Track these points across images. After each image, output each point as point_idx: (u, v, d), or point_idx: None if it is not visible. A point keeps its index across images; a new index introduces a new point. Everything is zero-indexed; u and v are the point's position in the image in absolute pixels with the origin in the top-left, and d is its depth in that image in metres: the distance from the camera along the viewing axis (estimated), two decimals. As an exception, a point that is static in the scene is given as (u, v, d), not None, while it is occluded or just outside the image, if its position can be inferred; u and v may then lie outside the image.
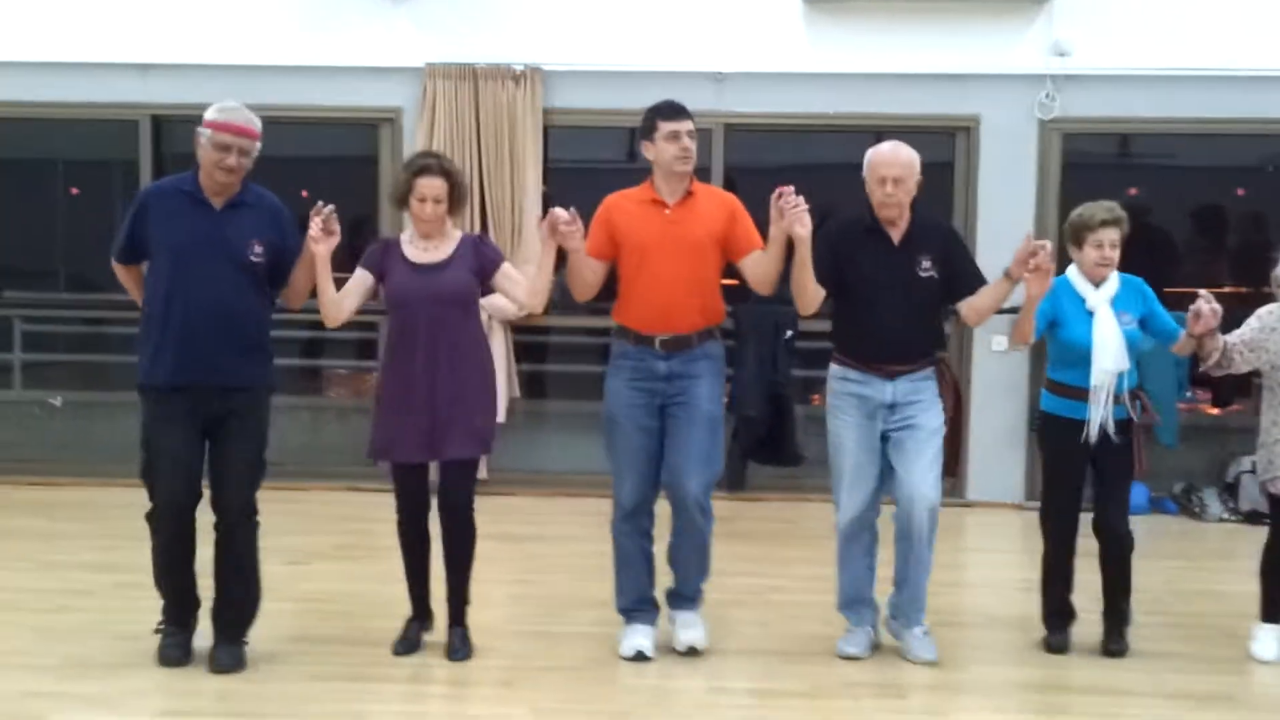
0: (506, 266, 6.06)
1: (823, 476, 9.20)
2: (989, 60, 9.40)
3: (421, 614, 6.15)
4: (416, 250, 5.94)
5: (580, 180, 10.58)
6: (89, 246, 10.73)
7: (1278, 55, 9.21)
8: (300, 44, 9.55)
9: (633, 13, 9.56)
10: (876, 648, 6.20)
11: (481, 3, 9.62)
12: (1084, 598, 6.31)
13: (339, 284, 5.88)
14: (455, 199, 5.93)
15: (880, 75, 9.40)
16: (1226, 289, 10.47)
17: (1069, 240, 6.20)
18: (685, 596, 6.22)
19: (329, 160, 10.60)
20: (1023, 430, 9.29)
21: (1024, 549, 8.65)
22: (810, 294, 5.93)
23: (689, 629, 6.17)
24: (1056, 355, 6.21)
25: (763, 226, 5.98)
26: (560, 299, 8.94)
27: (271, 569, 6.03)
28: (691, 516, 6.03)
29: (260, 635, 5.97)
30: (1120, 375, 6.04)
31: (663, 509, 6.11)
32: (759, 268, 5.96)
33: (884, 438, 6.01)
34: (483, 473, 6.14)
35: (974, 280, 6.05)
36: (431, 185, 5.84)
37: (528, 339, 9.68)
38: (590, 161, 10.70)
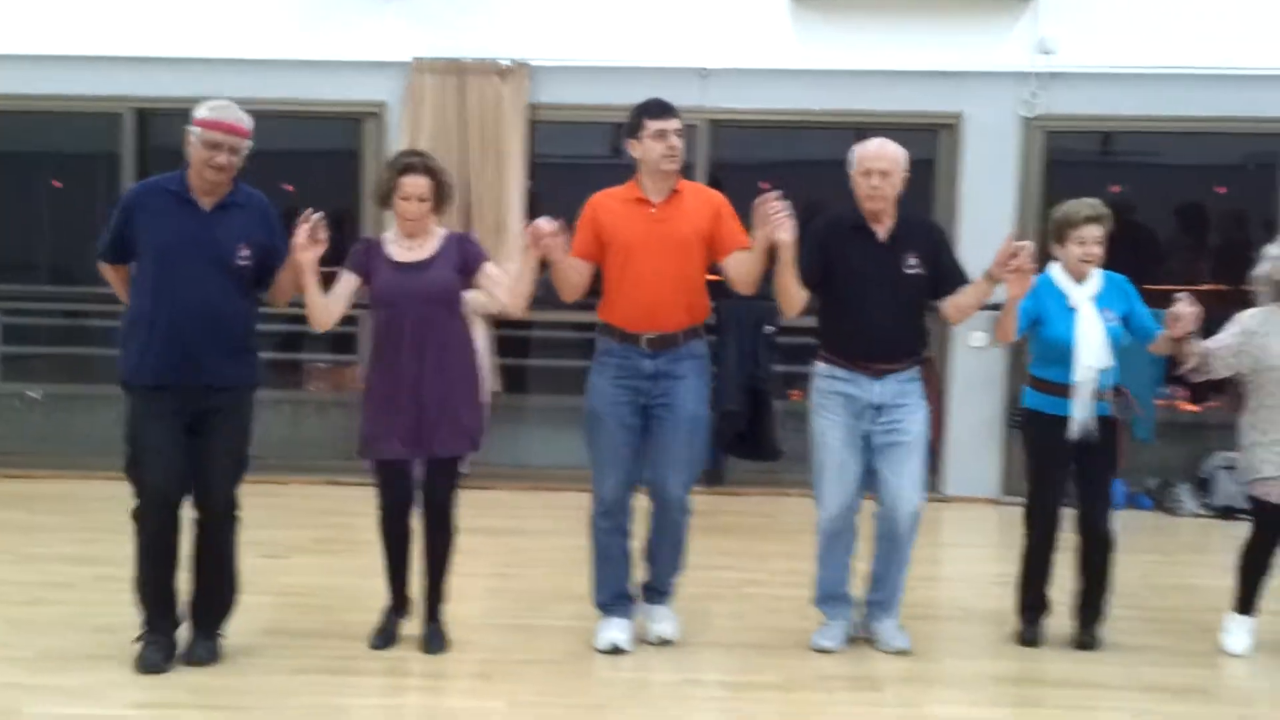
0: (489, 266, 6.06)
1: (802, 472, 9.22)
2: (973, 58, 9.42)
3: (400, 604, 6.15)
4: (400, 249, 5.93)
5: (566, 176, 10.59)
6: (71, 239, 10.75)
7: (1262, 54, 9.23)
8: (285, 37, 9.55)
9: (619, 8, 9.57)
10: (851, 641, 6.22)
11: (468, -3, 9.65)
12: (1054, 590, 6.33)
13: (324, 280, 5.87)
14: (440, 197, 5.93)
15: (865, 72, 9.42)
16: (1207, 287, 10.51)
17: (1052, 237, 6.22)
18: (660, 591, 6.26)
19: (313, 154, 10.60)
20: (999, 425, 9.33)
21: (1000, 543, 8.69)
22: (793, 296, 5.95)
23: (662, 621, 6.22)
24: (1039, 352, 6.23)
25: (749, 225, 6.02)
26: (544, 294, 8.95)
27: (250, 562, 6.05)
28: (672, 516, 6.09)
29: (238, 628, 5.98)
30: (1103, 372, 6.07)
31: (639, 503, 6.14)
32: (742, 268, 5.97)
33: (867, 437, 6.03)
34: (463, 467, 6.13)
35: (958, 279, 6.07)
36: (415, 184, 5.84)
37: (509, 333, 9.68)
38: (576, 157, 10.70)
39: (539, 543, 8.18)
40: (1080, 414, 6.05)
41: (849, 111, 9.49)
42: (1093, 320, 6.07)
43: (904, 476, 5.97)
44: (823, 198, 9.90)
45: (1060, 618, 6.33)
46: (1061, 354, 6.08)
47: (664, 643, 6.17)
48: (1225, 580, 6.40)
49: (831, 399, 6.02)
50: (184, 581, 5.87)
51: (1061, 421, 6.08)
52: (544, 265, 5.94)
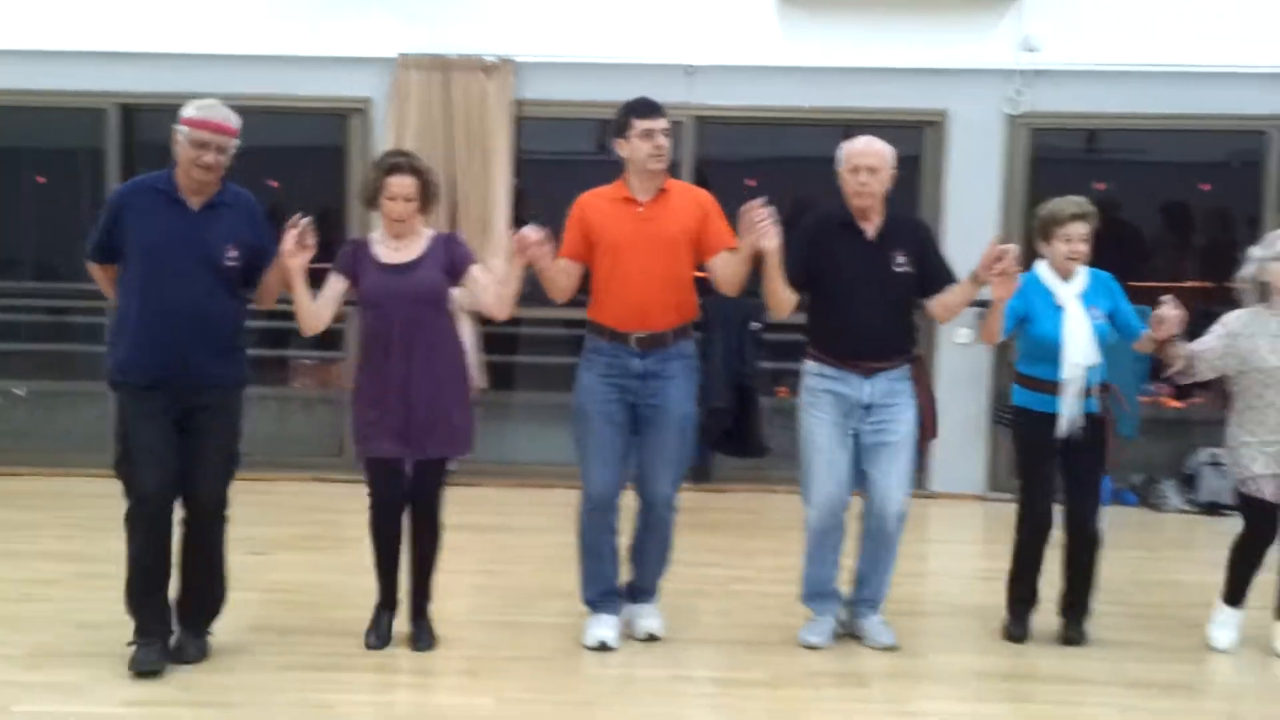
0: (476, 269, 6.05)
1: (788, 468, 9.25)
2: (959, 55, 9.44)
3: (390, 602, 6.11)
4: (387, 250, 5.92)
5: (552, 172, 10.59)
6: (56, 236, 10.71)
7: (1245, 51, 9.26)
8: (270, 33, 9.54)
9: (605, 5, 9.57)
10: (838, 638, 6.23)
11: (453, -7, 9.64)
12: (1041, 587, 6.35)
13: (312, 277, 5.86)
14: (426, 197, 5.92)
15: (851, 69, 9.43)
16: (1191, 284, 10.55)
17: (1038, 235, 6.24)
18: (646, 590, 6.28)
19: (297, 151, 10.58)
20: (985, 422, 9.36)
21: (986, 539, 8.74)
22: (782, 300, 5.97)
23: (648, 618, 6.23)
24: (1027, 350, 6.25)
25: (735, 223, 6.03)
26: (530, 290, 8.94)
27: (236, 559, 6.02)
28: (660, 515, 6.11)
29: (225, 625, 5.97)
30: (1091, 369, 6.09)
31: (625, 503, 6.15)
32: (726, 269, 5.99)
33: (856, 436, 6.03)
34: (451, 464, 6.12)
35: (946, 277, 6.09)
36: (402, 184, 5.83)
37: (495, 330, 9.67)
38: (561, 153, 10.70)
39: (526, 539, 8.18)
40: (1068, 411, 6.07)
41: (835, 108, 9.52)
42: (1080, 318, 6.09)
43: (892, 476, 6.00)
44: (809, 194, 9.97)
45: (1047, 614, 6.34)
46: (1049, 352, 6.09)
47: (651, 639, 6.18)
48: (1210, 576, 6.43)
49: (821, 397, 6.02)
50: (173, 580, 5.84)
51: (1050, 418, 6.10)
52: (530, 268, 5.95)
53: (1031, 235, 6.33)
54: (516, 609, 6.69)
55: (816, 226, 6.12)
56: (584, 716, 5.39)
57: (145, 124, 9.87)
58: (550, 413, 9.69)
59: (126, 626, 5.89)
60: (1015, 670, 5.97)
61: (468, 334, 9.05)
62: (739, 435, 9.12)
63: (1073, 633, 6.25)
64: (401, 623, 6.12)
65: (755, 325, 9.11)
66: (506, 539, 8.21)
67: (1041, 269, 6.21)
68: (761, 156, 10.88)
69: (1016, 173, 9.50)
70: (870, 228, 6.02)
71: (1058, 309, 6.12)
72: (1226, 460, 6.42)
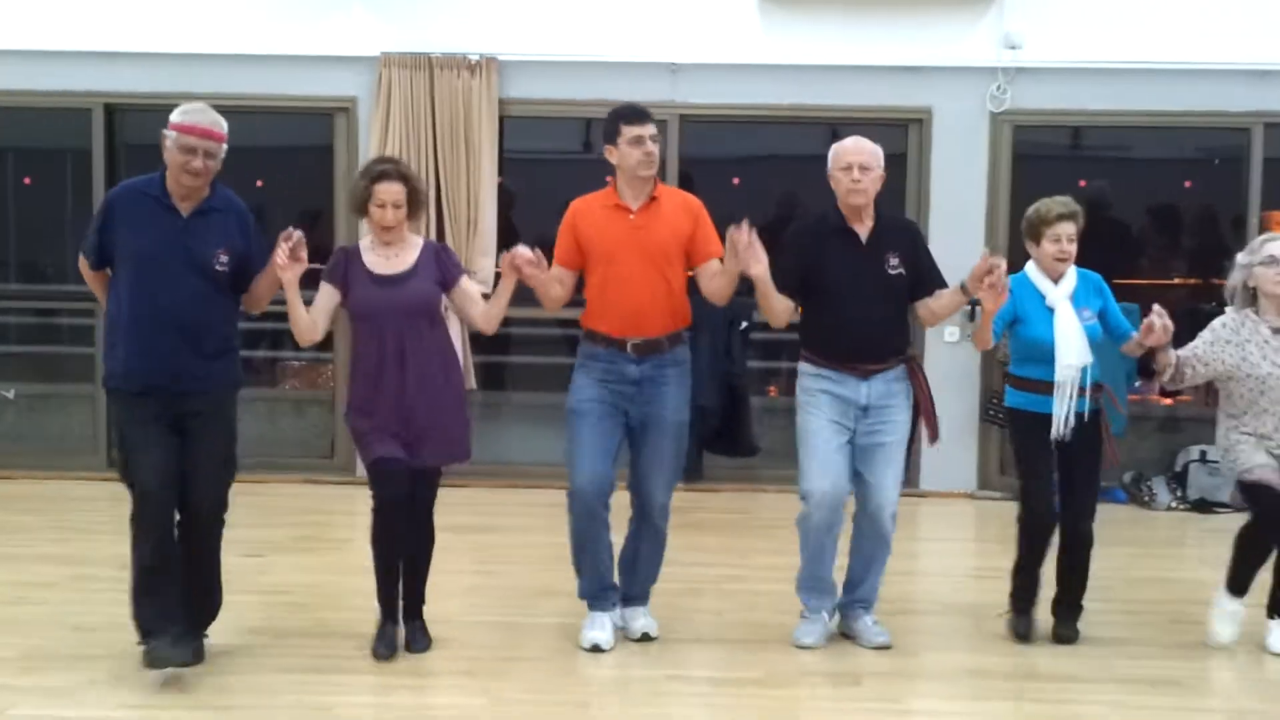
0: (465, 281, 6.04)
1: (779, 467, 9.33)
2: (941, 53, 9.46)
3: (395, 615, 6.02)
4: (378, 259, 5.90)
5: (536, 170, 10.60)
6: (41, 237, 10.68)
7: (1228, 48, 9.29)
8: (255, 32, 9.52)
9: (588, 4, 9.57)
10: (830, 638, 6.24)
11: (437, -8, 9.64)
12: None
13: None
14: (414, 204, 5.92)
15: (834, 67, 9.45)
16: (1176, 280, 10.61)
17: (1026, 236, 6.25)
18: (637, 596, 6.30)
19: (283, 150, 10.57)
20: (975, 420, 9.40)
21: (976, 538, 8.78)
22: (778, 312, 5.99)
23: (641, 618, 6.26)
24: (1019, 352, 6.26)
25: (720, 223, 6.06)
26: (521, 291, 8.94)
27: (229, 561, 6.01)
28: (654, 522, 6.14)
29: (221, 628, 5.96)
30: (1084, 369, 6.11)
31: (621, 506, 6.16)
32: (714, 283, 6.03)
33: (851, 437, 6.05)
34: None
35: (936, 281, 6.11)
36: (390, 190, 5.81)
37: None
38: (546, 152, 10.71)
39: (519, 539, 8.21)
40: (1062, 413, 6.08)
41: (818, 106, 9.55)
42: (1070, 319, 6.11)
43: (888, 478, 6.03)
44: (793, 192, 10.00)
45: (1039, 612, 6.35)
46: (1041, 353, 6.11)
47: (646, 639, 6.20)
48: (1200, 573, 6.48)
49: (818, 396, 6.04)
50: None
51: (1044, 418, 6.12)
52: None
53: (1015, 231, 6.34)
54: (511, 610, 6.71)
55: (808, 232, 6.14)
56: (580, 716, 5.41)
57: (131, 124, 9.85)
58: (541, 413, 9.72)
59: (122, 629, 5.91)
60: (1008, 668, 5.99)
61: (456, 336, 9.08)
62: (729, 435, 9.14)
63: (1065, 631, 6.27)
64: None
65: (743, 324, 9.13)
66: (499, 540, 8.23)
67: (1031, 270, 6.23)
68: (746, 155, 10.90)
69: (1000, 170, 9.53)
70: (863, 230, 6.04)
71: (1048, 311, 6.13)
72: (1221, 460, 6.43)
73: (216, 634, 5.93)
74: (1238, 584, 6.25)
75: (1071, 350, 6.07)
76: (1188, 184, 11.00)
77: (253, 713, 5.34)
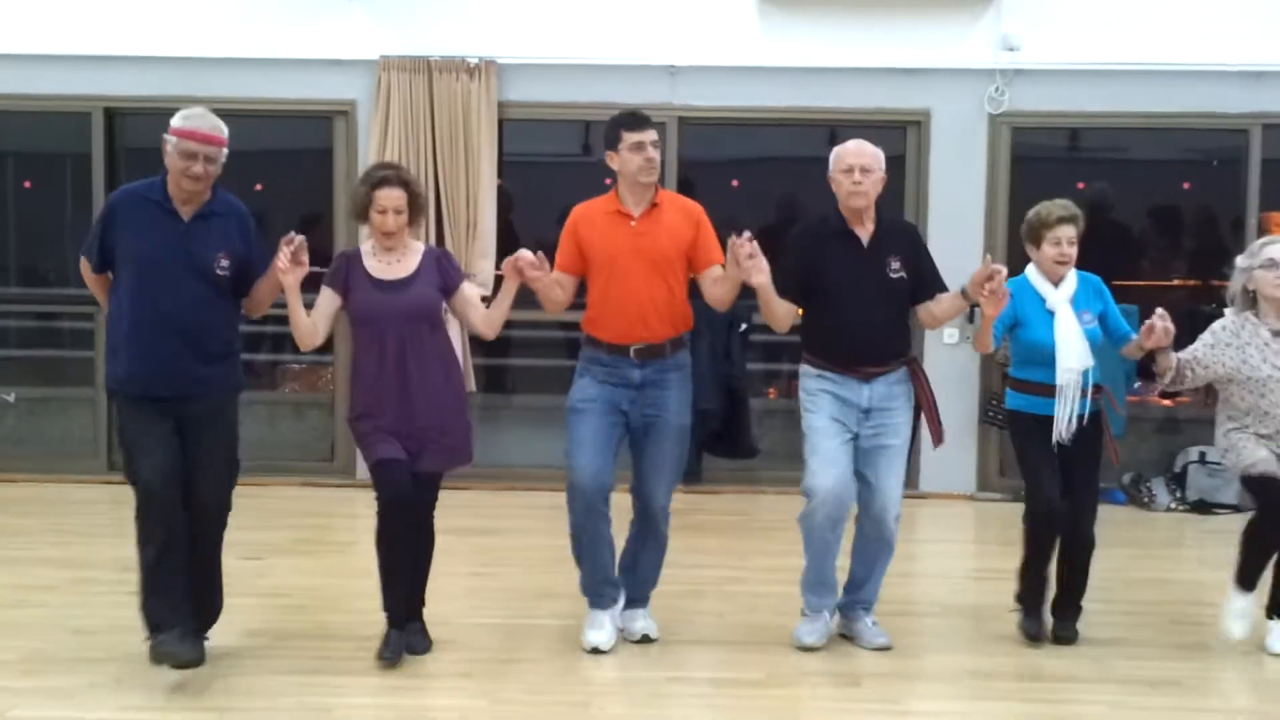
0: (466, 287, 6.05)
1: (778, 469, 9.34)
2: (939, 55, 9.47)
3: (400, 621, 5.96)
4: (379, 264, 5.90)
5: (535, 173, 10.62)
6: (41, 241, 10.69)
7: (1225, 50, 9.30)
8: (254, 36, 9.53)
9: (587, 6, 9.58)
10: (830, 639, 6.25)
11: (436, -5, 9.65)
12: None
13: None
14: (415, 209, 5.92)
15: (832, 69, 9.46)
16: (1176, 282, 10.61)
17: (1026, 240, 6.26)
18: (638, 598, 6.31)
19: (283, 153, 10.58)
20: (974, 422, 9.41)
21: (976, 539, 8.79)
22: (780, 318, 6.01)
23: (641, 620, 6.26)
24: (1019, 355, 6.27)
25: (718, 224, 6.08)
26: (521, 294, 8.96)
27: (229, 564, 6.03)
28: (656, 526, 6.16)
29: (221, 630, 5.96)
30: (1085, 372, 6.12)
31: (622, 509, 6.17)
32: (716, 289, 6.04)
33: (854, 438, 6.05)
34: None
35: (936, 285, 6.13)
36: (390, 196, 5.81)
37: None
38: (545, 155, 10.73)
39: (519, 542, 8.22)
40: (1063, 415, 6.08)
41: (817, 109, 9.57)
42: (1071, 323, 6.11)
43: (891, 479, 6.04)
44: (792, 194, 10.01)
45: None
46: (1042, 356, 6.12)
47: (646, 641, 6.20)
48: (1200, 574, 6.49)
49: (819, 396, 6.04)
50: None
51: (1045, 420, 6.12)
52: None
53: (1013, 232, 6.34)
54: (511, 611, 6.71)
55: (809, 235, 6.14)
56: (579, 718, 5.41)
57: (130, 128, 9.87)
58: (541, 416, 9.73)
59: (123, 632, 5.94)
60: (1006, 669, 5.99)
61: (456, 339, 9.09)
62: (728, 437, 9.16)
63: (1064, 631, 6.27)
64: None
65: (743, 326, 9.14)
66: (499, 542, 8.23)
67: (1031, 274, 6.23)
68: (744, 157, 10.92)
69: (998, 171, 9.54)
70: (864, 233, 6.05)
71: (1049, 314, 6.14)
72: (1222, 458, 6.43)
73: (217, 636, 5.93)
74: (1246, 579, 6.21)
75: (1072, 354, 6.07)
76: (1186, 185, 11.01)
77: (253, 714, 5.35)
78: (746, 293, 6.06)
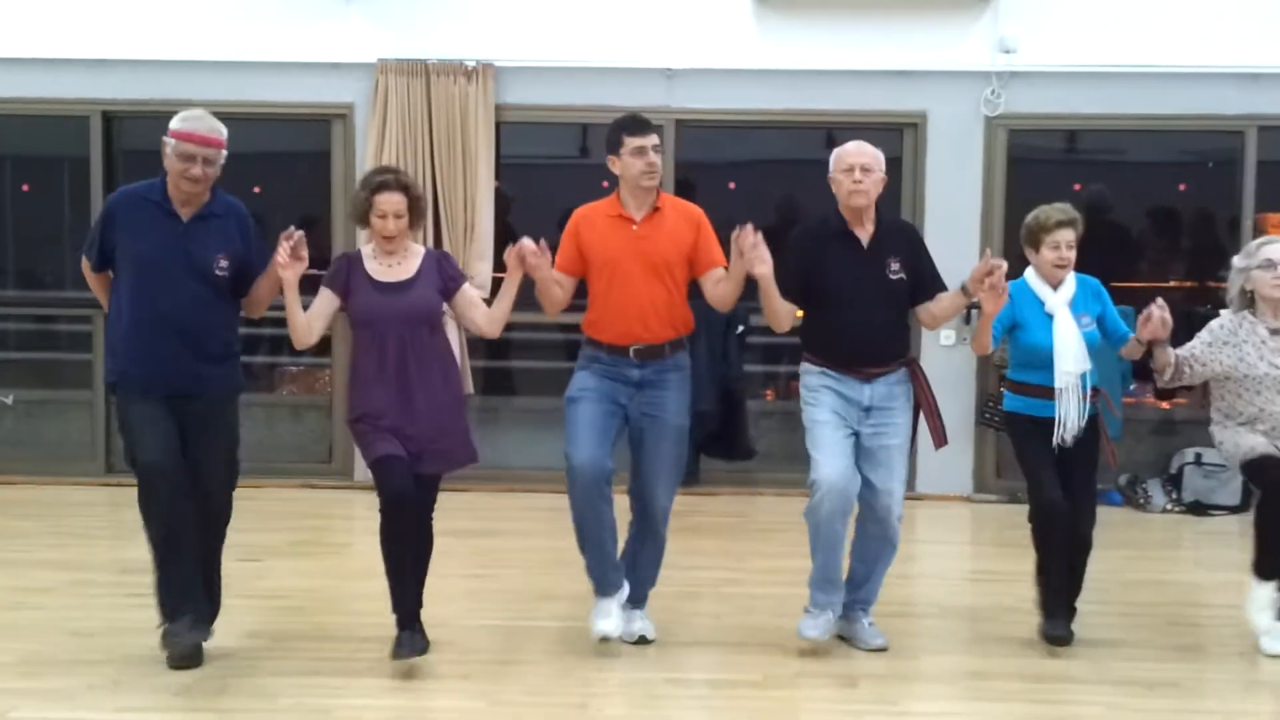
0: (467, 288, 6.05)
1: (776, 471, 9.35)
2: (936, 57, 9.49)
3: (410, 623, 5.91)
4: (380, 267, 5.89)
5: (532, 176, 10.63)
6: (39, 244, 10.71)
7: (1220, 52, 9.32)
8: (252, 39, 9.53)
9: (584, 9, 9.59)
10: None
11: (433, -1, 9.67)
12: (1027, 587, 6.38)
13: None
14: (415, 213, 5.92)
15: (829, 72, 9.47)
16: (1172, 283, 10.63)
17: (1025, 243, 6.27)
18: (635, 599, 6.30)
19: (281, 156, 10.59)
20: (971, 423, 9.42)
21: (973, 541, 8.80)
22: (781, 316, 6.02)
23: (638, 621, 6.27)
24: (1017, 357, 6.28)
25: (718, 226, 6.08)
26: (521, 295, 8.96)
27: (228, 565, 6.05)
28: (656, 527, 6.17)
29: (219, 631, 5.97)
30: (1083, 375, 6.13)
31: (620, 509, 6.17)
32: (719, 289, 6.05)
33: (856, 436, 6.06)
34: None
35: (936, 285, 6.14)
36: (390, 200, 5.81)
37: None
38: (542, 157, 10.74)
39: (518, 544, 8.23)
40: (1065, 416, 6.08)
41: (814, 111, 9.57)
42: (1069, 326, 6.12)
43: (893, 479, 6.05)
44: (789, 196, 10.02)
45: (1034, 615, 6.36)
46: (1040, 359, 6.13)
47: (643, 642, 6.21)
48: (1196, 575, 6.50)
49: (822, 391, 6.04)
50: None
51: (1042, 422, 6.14)
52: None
53: (1009, 234, 6.35)
54: (510, 613, 6.72)
55: (809, 236, 6.16)
56: (577, 719, 5.42)
57: (128, 131, 9.88)
58: (541, 418, 9.73)
59: (121, 634, 5.97)
60: (1003, 670, 6.00)
61: (454, 341, 9.10)
62: (726, 438, 9.16)
63: (1060, 632, 6.28)
64: (391, 628, 6.09)
65: (740, 328, 9.16)
66: (498, 544, 8.24)
67: (1030, 277, 6.24)
68: (741, 160, 10.94)
69: (995, 174, 9.55)
70: (864, 234, 6.06)
71: (1047, 317, 6.15)
72: (1219, 451, 6.44)
73: (215, 638, 5.93)
74: (1264, 568, 6.19)
75: (1070, 357, 6.08)
76: (1182, 187, 11.04)
77: (252, 715, 5.36)
78: (745, 294, 6.08)
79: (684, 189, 9.21)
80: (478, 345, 9.77)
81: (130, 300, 5.67)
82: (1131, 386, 9.36)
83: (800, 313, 6.14)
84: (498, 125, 9.57)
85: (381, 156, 9.18)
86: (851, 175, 5.97)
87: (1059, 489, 6.12)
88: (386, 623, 5.96)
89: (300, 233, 5.69)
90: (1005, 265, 5.79)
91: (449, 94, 9.43)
